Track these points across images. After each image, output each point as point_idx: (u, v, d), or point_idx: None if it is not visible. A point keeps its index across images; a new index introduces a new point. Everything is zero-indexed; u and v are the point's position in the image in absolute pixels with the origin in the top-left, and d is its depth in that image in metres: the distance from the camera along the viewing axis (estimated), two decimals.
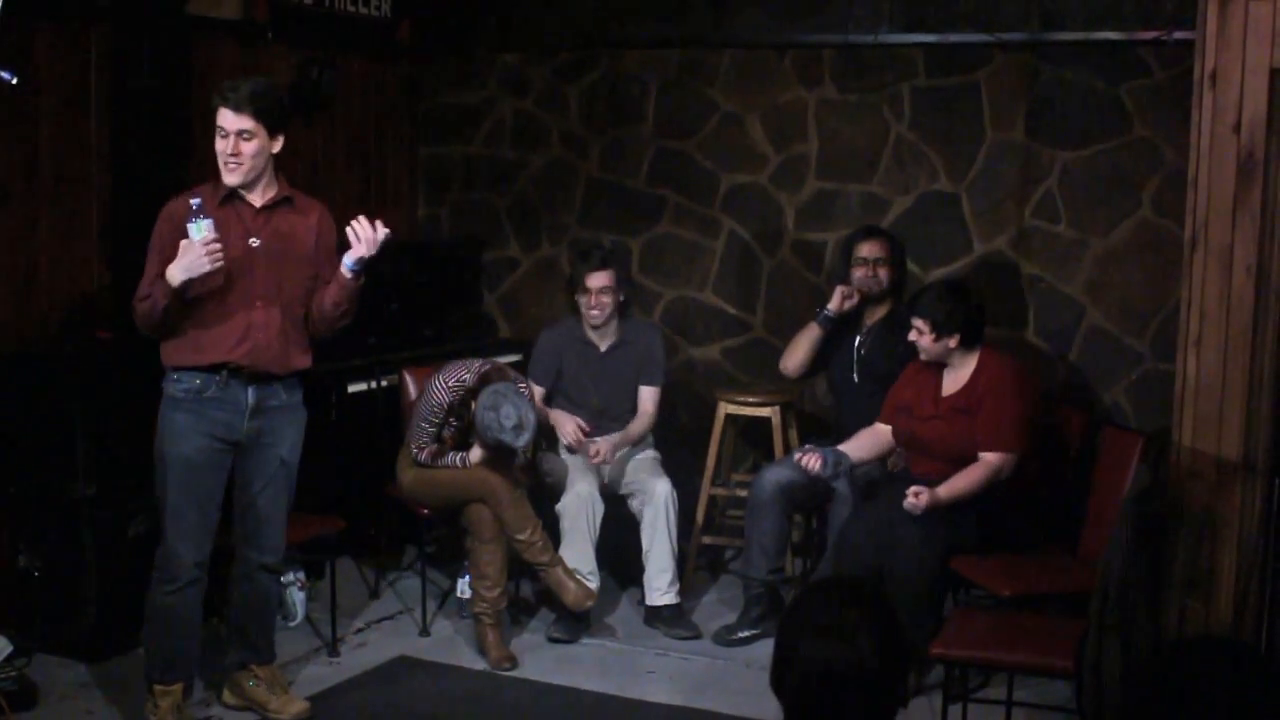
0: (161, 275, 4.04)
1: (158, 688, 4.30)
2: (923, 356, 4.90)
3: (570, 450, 5.48)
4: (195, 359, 4.15)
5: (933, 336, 4.81)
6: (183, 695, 4.35)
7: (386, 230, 4.19)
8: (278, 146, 4.20)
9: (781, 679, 2.29)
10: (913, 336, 4.87)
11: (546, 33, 6.64)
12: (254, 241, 4.18)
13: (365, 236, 4.14)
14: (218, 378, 4.17)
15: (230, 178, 4.14)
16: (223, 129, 4.11)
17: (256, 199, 4.20)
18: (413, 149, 6.97)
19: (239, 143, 4.10)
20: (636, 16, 6.45)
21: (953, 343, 4.81)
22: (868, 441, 5.08)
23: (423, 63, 6.91)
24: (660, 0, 6.39)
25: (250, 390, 4.22)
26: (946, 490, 4.68)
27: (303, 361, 4.32)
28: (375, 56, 6.67)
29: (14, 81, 4.34)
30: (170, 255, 4.03)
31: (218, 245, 4.00)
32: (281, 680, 4.60)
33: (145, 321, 4.13)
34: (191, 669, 4.42)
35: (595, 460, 5.39)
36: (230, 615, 4.56)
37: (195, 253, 3.98)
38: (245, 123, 4.10)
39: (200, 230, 3.98)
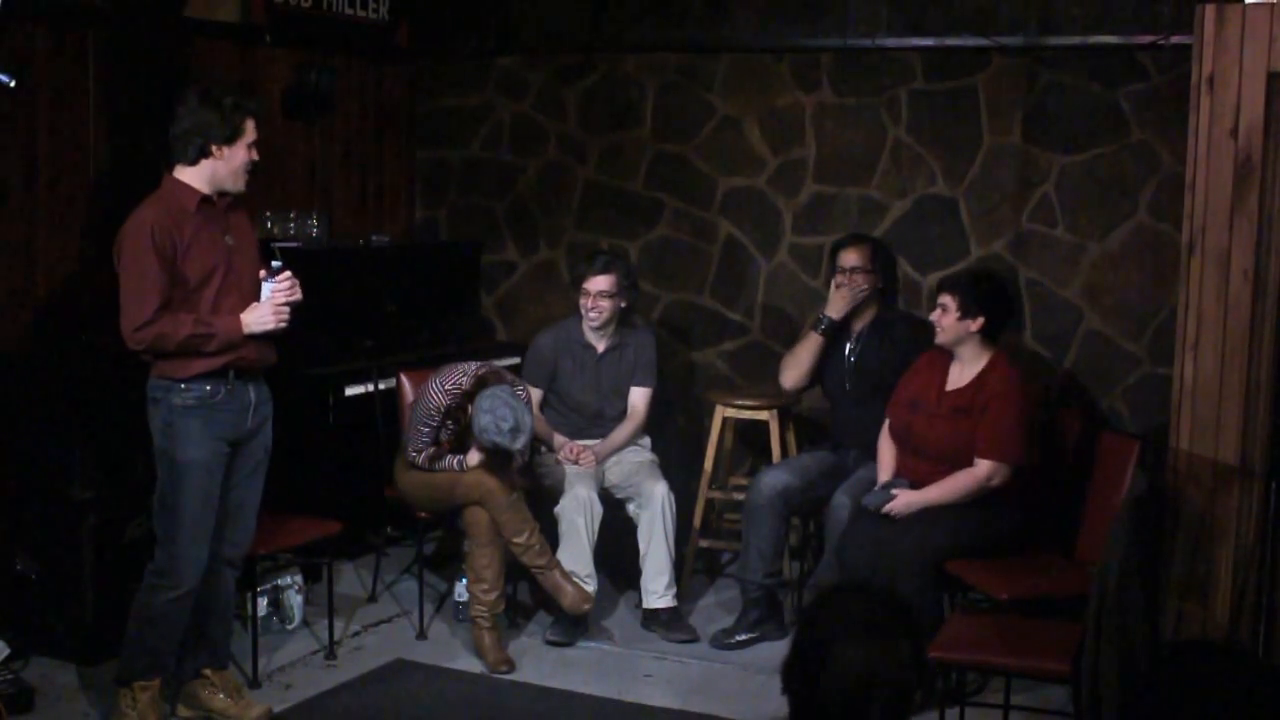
0: (176, 305, 4.11)
1: (137, 684, 4.32)
2: (939, 338, 4.86)
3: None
4: (207, 366, 4.17)
5: (958, 315, 4.78)
6: (160, 690, 4.36)
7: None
8: None
9: (806, 678, 2.27)
10: (935, 315, 4.85)
11: (544, 36, 6.65)
12: (229, 239, 4.27)
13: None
14: (225, 381, 4.21)
15: (244, 186, 4.27)
16: (254, 140, 4.23)
17: (218, 202, 4.27)
18: (410, 152, 6.98)
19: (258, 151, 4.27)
20: (634, 20, 6.45)
21: (974, 325, 4.78)
22: (891, 452, 5.07)
23: (421, 66, 6.92)
24: (658, 4, 6.40)
25: (251, 388, 4.30)
26: (920, 496, 4.75)
27: (275, 353, 4.40)
28: (373, 59, 6.67)
29: (12, 84, 4.35)
30: (170, 270, 4.09)
31: (285, 305, 4.22)
32: (238, 685, 4.58)
33: (163, 347, 4.12)
34: (172, 663, 4.42)
35: (585, 464, 5.40)
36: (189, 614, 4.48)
37: (265, 310, 4.19)
38: None
39: (268, 290, 4.23)
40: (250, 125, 4.21)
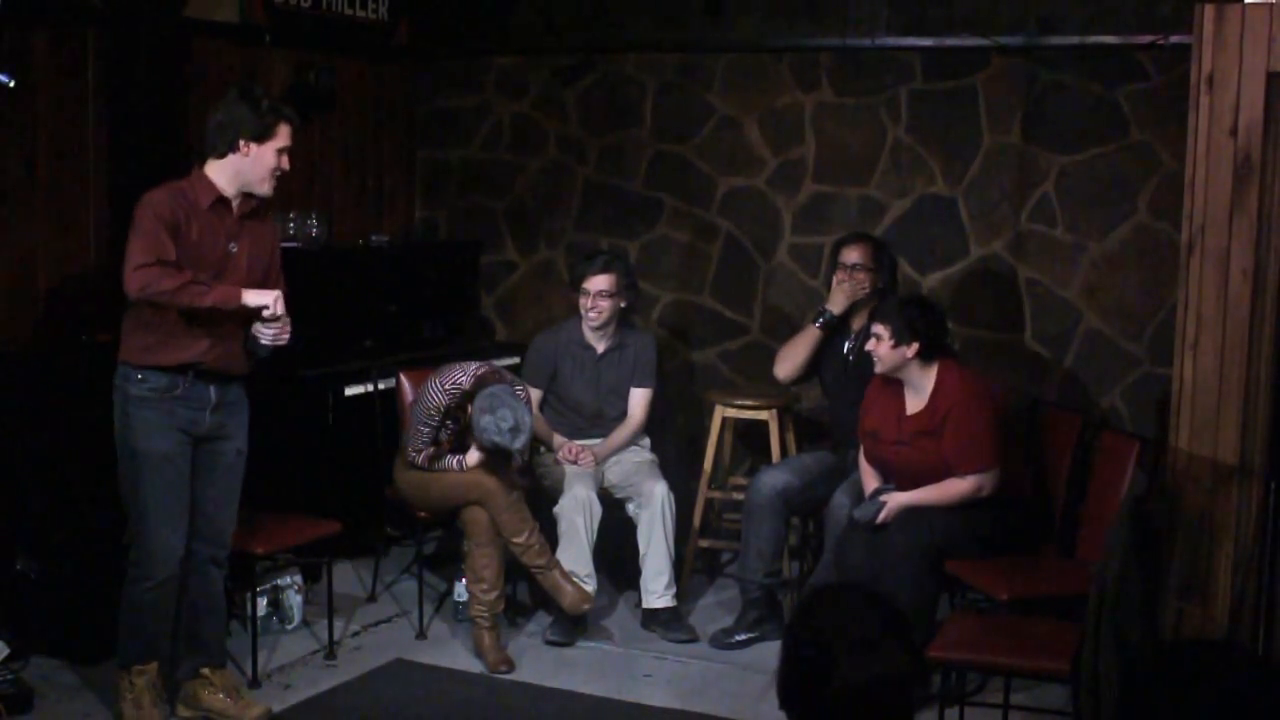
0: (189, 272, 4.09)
1: (135, 667, 4.34)
2: (877, 367, 4.85)
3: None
4: (167, 359, 4.17)
5: (891, 343, 4.76)
6: (157, 673, 4.37)
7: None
8: None
9: (802, 691, 2.25)
10: (870, 345, 4.85)
11: (544, 36, 6.65)
12: (233, 247, 4.25)
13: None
14: (184, 378, 4.21)
15: (271, 190, 4.27)
16: (286, 147, 4.23)
17: (236, 207, 4.26)
18: (410, 152, 6.98)
19: (289, 158, 4.28)
20: (634, 20, 6.45)
21: (910, 352, 4.76)
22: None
23: (420, 65, 6.92)
24: (657, 3, 6.40)
25: (213, 388, 4.28)
26: (909, 497, 4.74)
27: (244, 365, 4.38)
28: (373, 59, 6.67)
29: (11, 84, 4.35)
30: (173, 235, 4.09)
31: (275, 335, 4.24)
32: (238, 684, 4.58)
33: (159, 287, 4.03)
34: (166, 648, 4.43)
35: (584, 464, 5.40)
36: (180, 615, 4.46)
37: (262, 327, 4.21)
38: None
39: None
40: (284, 129, 4.21)
